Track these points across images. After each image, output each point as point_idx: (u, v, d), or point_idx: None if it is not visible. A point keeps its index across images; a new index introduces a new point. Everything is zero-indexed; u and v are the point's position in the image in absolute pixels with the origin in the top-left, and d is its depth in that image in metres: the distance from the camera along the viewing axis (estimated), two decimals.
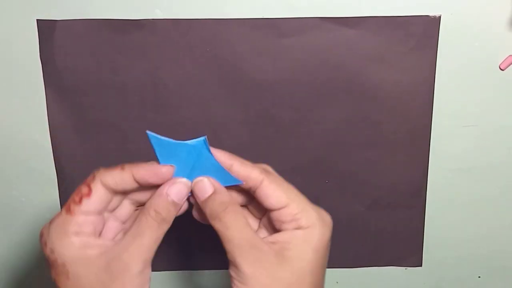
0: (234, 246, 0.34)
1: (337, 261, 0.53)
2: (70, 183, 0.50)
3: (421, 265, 0.53)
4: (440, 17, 0.45)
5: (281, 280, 0.34)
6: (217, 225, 0.34)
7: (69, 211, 0.34)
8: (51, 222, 0.35)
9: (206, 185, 0.35)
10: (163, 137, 0.34)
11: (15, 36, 0.46)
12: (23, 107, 0.48)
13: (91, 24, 0.46)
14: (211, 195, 0.35)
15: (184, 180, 0.35)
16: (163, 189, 0.35)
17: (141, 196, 0.37)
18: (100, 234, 0.36)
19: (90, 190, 0.34)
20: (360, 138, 0.49)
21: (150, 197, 0.35)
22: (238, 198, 0.38)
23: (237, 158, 0.35)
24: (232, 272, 0.34)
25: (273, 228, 0.36)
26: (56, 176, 0.50)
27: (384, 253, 0.53)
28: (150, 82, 0.47)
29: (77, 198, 0.34)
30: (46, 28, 0.46)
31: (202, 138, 0.35)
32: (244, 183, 0.35)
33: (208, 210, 0.35)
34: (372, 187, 0.50)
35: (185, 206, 0.37)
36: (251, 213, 0.38)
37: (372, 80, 0.47)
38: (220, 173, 0.35)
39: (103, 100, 0.48)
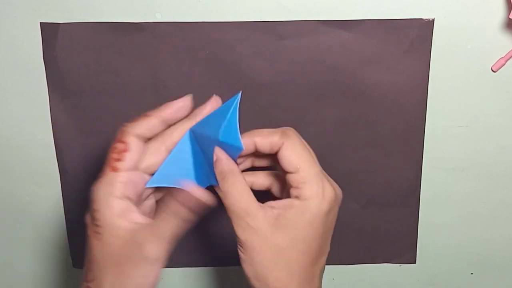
0: (231, 214, 0.36)
1: (333, 258, 0.52)
2: (73, 181, 0.51)
3: (415, 262, 0.54)
4: (433, 20, 0.46)
5: (273, 246, 0.35)
6: (218, 193, 0.36)
7: (114, 168, 0.35)
8: (98, 182, 0.36)
9: None
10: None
11: (19, 39, 0.47)
12: (26, 108, 0.49)
13: (93, 27, 0.46)
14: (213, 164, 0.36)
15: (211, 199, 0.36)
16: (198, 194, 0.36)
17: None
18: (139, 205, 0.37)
19: (126, 144, 0.35)
20: (356, 138, 0.49)
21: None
22: (263, 162, 0.39)
23: (256, 133, 0.37)
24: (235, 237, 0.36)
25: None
26: (59, 175, 0.51)
27: (379, 250, 0.53)
28: (150, 84, 0.48)
29: (117, 156, 0.35)
30: (49, 31, 0.46)
31: (238, 94, 0.37)
32: (244, 150, 0.36)
33: None
34: (367, 186, 0.51)
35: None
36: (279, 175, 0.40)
37: (368, 82, 0.47)
38: (232, 131, 0.36)
39: (104, 101, 0.48)
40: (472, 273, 0.54)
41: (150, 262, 0.35)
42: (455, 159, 0.50)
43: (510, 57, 0.47)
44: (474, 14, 0.46)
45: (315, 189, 0.36)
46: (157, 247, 0.35)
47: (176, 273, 0.55)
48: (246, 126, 0.49)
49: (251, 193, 0.36)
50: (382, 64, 0.47)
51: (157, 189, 0.39)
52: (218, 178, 0.36)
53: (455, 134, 0.49)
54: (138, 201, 0.37)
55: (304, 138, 0.49)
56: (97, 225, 0.35)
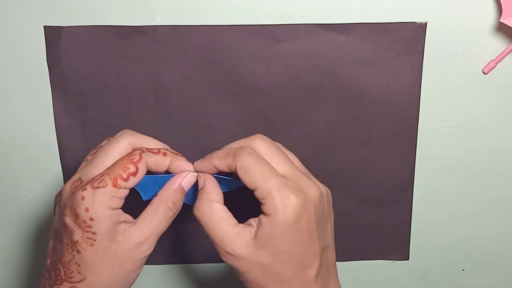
0: (213, 242, 0.37)
1: None
2: None
3: (408, 259, 0.54)
4: (426, 23, 0.46)
5: (257, 265, 0.36)
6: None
7: (116, 185, 0.36)
8: (96, 190, 0.36)
9: (199, 180, 0.38)
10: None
11: (23, 42, 0.47)
12: (31, 109, 0.49)
13: (95, 30, 0.47)
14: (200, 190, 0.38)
15: (194, 173, 0.39)
16: (178, 182, 0.38)
17: None
18: None
19: (137, 170, 0.37)
20: (350, 138, 0.50)
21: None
22: None
23: (214, 157, 0.38)
24: None
25: None
26: (62, 174, 0.51)
27: (373, 247, 0.54)
28: (151, 85, 0.48)
29: (125, 176, 0.36)
30: (52, 34, 0.47)
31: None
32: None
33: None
34: (361, 184, 0.51)
35: None
36: None
37: (361, 84, 0.48)
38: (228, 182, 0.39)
39: (106, 102, 0.49)
40: (463, 269, 0.55)
41: (144, 257, 0.38)
42: (447, 158, 0.51)
43: (500, 60, 0.47)
44: (466, 17, 0.46)
45: (274, 202, 0.35)
46: (152, 243, 0.38)
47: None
48: (244, 126, 0.49)
49: (229, 219, 0.37)
50: (376, 66, 0.48)
51: None
52: (197, 212, 0.37)
53: (446, 135, 0.50)
54: None
55: (299, 138, 0.50)
56: (91, 232, 0.36)
